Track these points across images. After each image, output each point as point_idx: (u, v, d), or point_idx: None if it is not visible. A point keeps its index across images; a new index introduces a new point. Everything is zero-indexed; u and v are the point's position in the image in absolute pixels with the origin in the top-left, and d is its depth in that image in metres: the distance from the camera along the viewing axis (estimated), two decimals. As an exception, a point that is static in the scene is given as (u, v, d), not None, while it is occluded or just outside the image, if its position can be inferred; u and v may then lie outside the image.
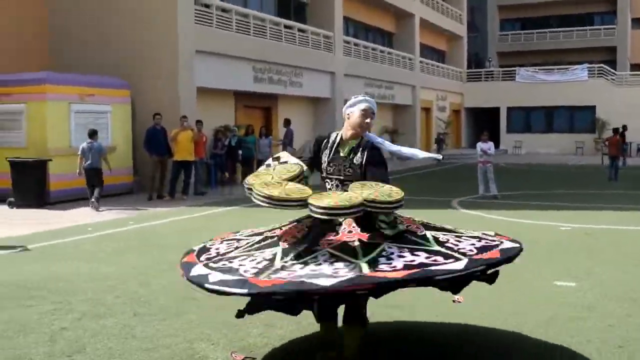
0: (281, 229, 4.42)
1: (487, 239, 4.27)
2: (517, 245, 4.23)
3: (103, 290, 6.54)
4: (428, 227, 4.35)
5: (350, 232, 4.10)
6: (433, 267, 3.71)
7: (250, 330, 5.23)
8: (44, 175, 13.81)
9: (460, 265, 3.74)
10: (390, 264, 3.75)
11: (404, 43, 32.99)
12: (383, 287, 3.81)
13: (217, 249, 4.42)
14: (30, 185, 13.48)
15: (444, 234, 4.24)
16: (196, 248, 4.53)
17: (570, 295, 6.39)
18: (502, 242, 4.22)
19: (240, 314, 4.45)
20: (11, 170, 13.55)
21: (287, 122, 19.65)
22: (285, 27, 21.96)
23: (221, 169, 18.41)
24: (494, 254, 3.99)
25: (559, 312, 5.77)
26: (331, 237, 4.08)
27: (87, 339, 5.01)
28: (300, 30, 22.90)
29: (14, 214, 12.72)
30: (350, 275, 3.62)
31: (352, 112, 4.46)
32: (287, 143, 19.07)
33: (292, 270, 3.79)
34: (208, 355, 4.67)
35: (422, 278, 3.69)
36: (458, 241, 4.13)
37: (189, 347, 4.84)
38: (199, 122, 16.19)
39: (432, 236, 4.15)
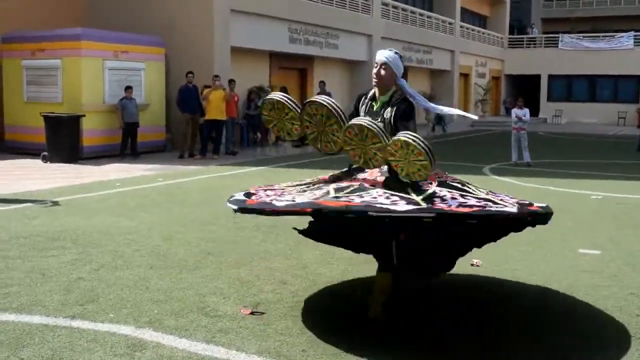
0: (326, 177, 4.65)
1: (517, 199, 4.41)
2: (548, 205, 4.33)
3: (124, 243, 6.62)
4: (466, 184, 4.52)
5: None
6: (490, 208, 3.88)
7: (264, 286, 5.24)
8: (77, 131, 13.99)
9: (513, 209, 3.94)
10: (446, 202, 3.91)
11: (444, 6, 32.37)
12: (444, 219, 3.86)
13: (264, 192, 4.54)
14: (64, 140, 13.66)
15: (484, 189, 4.48)
16: (239, 193, 4.57)
17: (594, 263, 6.27)
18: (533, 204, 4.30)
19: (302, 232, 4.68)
20: (45, 125, 13.75)
21: (322, 84, 19.52)
22: (323, -13, 21.69)
23: (253, 129, 18.45)
24: (534, 208, 4.14)
25: (581, 279, 5.67)
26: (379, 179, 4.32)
27: (101, 289, 5.08)
28: (337, -9, 22.61)
29: (47, 167, 12.94)
30: (411, 206, 3.78)
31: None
32: None
33: (351, 199, 3.96)
34: (218, 308, 4.70)
35: (483, 215, 3.85)
36: (497, 195, 4.38)
37: (200, 300, 4.87)
38: (231, 82, 16.17)
39: (475, 186, 4.41)
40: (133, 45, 15.43)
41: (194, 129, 15.38)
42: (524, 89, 38.33)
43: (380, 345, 4.11)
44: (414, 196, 3.96)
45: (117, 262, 5.89)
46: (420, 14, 29.10)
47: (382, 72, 4.53)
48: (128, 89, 14.57)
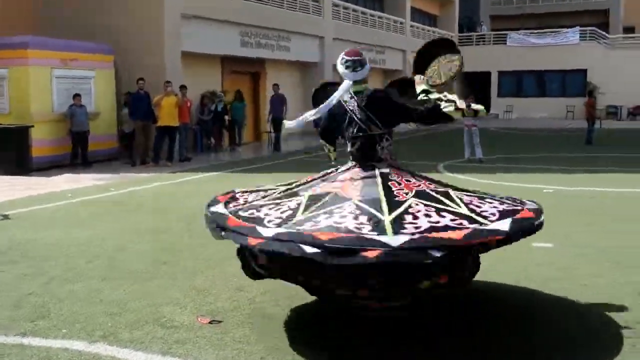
0: (307, 179, 4.61)
1: (508, 203, 4.27)
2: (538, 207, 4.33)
3: (76, 255, 6.49)
4: (448, 185, 4.46)
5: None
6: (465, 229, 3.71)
7: (220, 294, 5.19)
8: (26, 142, 13.67)
9: (503, 225, 3.80)
10: (416, 224, 3.74)
11: (394, 7, 32.59)
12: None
13: (244, 198, 4.56)
14: (12, 152, 13.34)
15: (468, 195, 4.28)
16: (220, 198, 4.61)
17: (547, 256, 6.37)
18: (524, 206, 4.24)
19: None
20: (-7, 136, 13.40)
21: (275, 87, 19.45)
22: (273, -10, 21.65)
23: (207, 135, 18.29)
24: (525, 213, 4.03)
25: (534, 273, 5.76)
26: (357, 185, 4.25)
27: (52, 304, 4.97)
28: (287, -7, 22.60)
29: (-5, 180, 12.61)
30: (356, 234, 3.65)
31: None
32: (273, 111, 18.79)
33: (317, 221, 3.84)
34: (174, 319, 4.63)
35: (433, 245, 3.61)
36: (481, 202, 4.12)
37: (155, 311, 4.80)
38: (182, 87, 16.01)
39: (457, 196, 4.17)
40: (82, 53, 15.13)
41: (146, 137, 15.18)
42: (474, 85, 38.85)
43: (348, 348, 4.10)
44: (384, 215, 3.81)
45: (69, 275, 5.76)
46: (372, 15, 29.26)
47: None
48: (76, 96, 14.32)
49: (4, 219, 8.54)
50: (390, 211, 3.86)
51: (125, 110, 15.70)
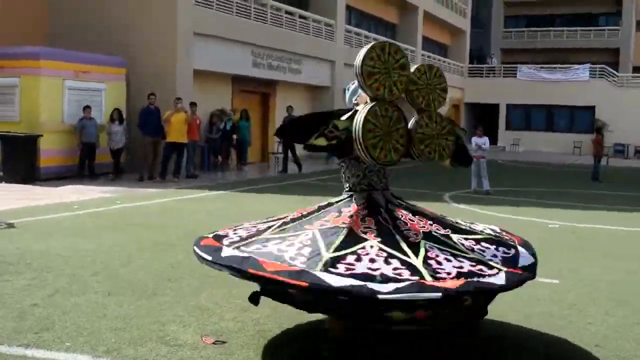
0: (297, 210, 4.52)
1: (486, 263, 4.04)
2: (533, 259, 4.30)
3: (81, 267, 6.47)
4: (428, 234, 4.21)
5: (351, 216, 4.20)
6: (482, 280, 3.70)
7: (224, 314, 5.17)
8: (34, 151, 13.72)
9: (501, 279, 3.77)
10: (444, 269, 3.74)
11: (406, 35, 32.80)
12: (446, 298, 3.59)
13: (235, 233, 4.39)
14: (20, 161, 13.39)
15: (440, 249, 4.05)
16: (209, 235, 4.47)
17: (553, 292, 6.34)
18: (499, 272, 3.98)
19: (253, 299, 4.35)
20: (1, 144, 13.45)
21: (289, 109, 19.53)
22: (287, 12, 21.79)
23: (215, 152, 18.34)
24: (488, 283, 3.83)
25: (540, 308, 5.73)
26: (330, 218, 4.21)
27: (57, 316, 4.94)
28: (301, 16, 22.75)
29: (2, 188, 12.63)
30: (414, 280, 3.60)
31: (362, 95, 4.55)
32: None
33: (264, 244, 3.90)
34: (178, 337, 4.61)
35: (478, 290, 3.69)
36: (447, 260, 3.93)
37: (159, 328, 4.77)
38: (192, 105, 16.08)
39: (424, 248, 4.01)
40: (94, 65, 15.26)
41: (155, 152, 15.23)
42: (483, 117, 38.97)
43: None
44: (412, 259, 3.80)
45: (73, 287, 5.75)
46: (383, 42, 29.39)
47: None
48: (87, 108, 14.42)
49: (8, 227, 8.54)
50: (417, 254, 3.88)
51: (113, 125, 14.92)
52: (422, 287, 3.54)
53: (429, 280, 3.61)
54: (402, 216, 4.34)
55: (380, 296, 3.45)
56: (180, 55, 16.68)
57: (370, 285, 3.52)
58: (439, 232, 4.23)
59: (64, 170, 14.34)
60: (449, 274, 3.73)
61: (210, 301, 5.49)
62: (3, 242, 7.57)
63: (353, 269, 3.66)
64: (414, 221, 4.32)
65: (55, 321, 4.82)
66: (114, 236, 8.21)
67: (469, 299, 3.82)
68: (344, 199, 4.48)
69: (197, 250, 4.16)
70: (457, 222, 4.61)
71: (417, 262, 3.82)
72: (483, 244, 4.26)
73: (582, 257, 8.13)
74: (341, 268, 3.67)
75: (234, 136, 18.52)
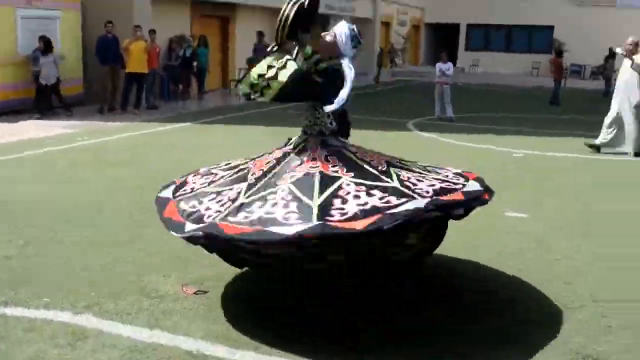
0: (254, 161, 4.43)
1: (450, 181, 4.22)
2: (480, 188, 4.23)
3: (53, 214, 6.37)
4: (392, 163, 4.32)
5: (314, 159, 4.15)
6: (386, 212, 3.68)
7: (202, 261, 5.15)
8: (-12, 85, 13.24)
9: (419, 203, 3.76)
10: (343, 209, 3.73)
11: (366, -46, 32.02)
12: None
13: (193, 183, 4.44)
14: (-26, 95, 12.93)
15: (407, 173, 4.20)
16: (177, 181, 4.58)
17: (520, 226, 6.49)
18: (466, 185, 4.20)
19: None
20: (-48, 78, 12.93)
21: (259, 35, 19.08)
22: None
23: (174, 81, 17.95)
24: (456, 196, 3.99)
25: (508, 244, 5.87)
26: (295, 168, 4.12)
27: (33, 269, 4.89)
28: None
29: (-44, 124, 12.24)
30: (299, 225, 3.63)
31: None
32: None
33: (250, 210, 3.83)
34: (159, 288, 4.62)
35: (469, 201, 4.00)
36: (419, 180, 4.10)
37: (138, 279, 4.77)
38: (152, 32, 15.60)
39: (395, 172, 4.14)
40: (47, -8, 14.61)
41: (114, 82, 14.84)
42: (443, 38, 38.75)
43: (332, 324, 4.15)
44: (312, 200, 3.80)
45: (48, 236, 5.67)
46: (343, -39, 28.71)
47: (328, 39, 4.41)
48: (43, 41, 13.64)
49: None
50: (320, 193, 3.87)
51: (42, 57, 13.51)
52: (437, 202, 3.80)
53: (315, 221, 3.64)
54: (359, 150, 4.39)
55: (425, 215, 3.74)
56: (137, -21, 16.04)
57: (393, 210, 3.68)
58: (372, 165, 4.22)
59: (18, 103, 13.86)
60: (427, 192, 3.91)
61: (187, 249, 5.45)
62: (-34, 186, 7.40)
63: (346, 213, 3.68)
64: (373, 154, 4.41)
65: (31, 275, 4.77)
66: (82, 177, 8.07)
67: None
68: (299, 145, 4.34)
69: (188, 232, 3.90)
70: (410, 166, 4.58)
71: (396, 183, 3.96)
72: (425, 179, 4.22)
73: (548, 189, 8.30)
74: (336, 215, 3.68)
75: (194, 63, 18.11)
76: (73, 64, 15.29)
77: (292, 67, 4.10)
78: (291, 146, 4.36)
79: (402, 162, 4.47)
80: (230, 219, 3.78)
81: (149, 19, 16.31)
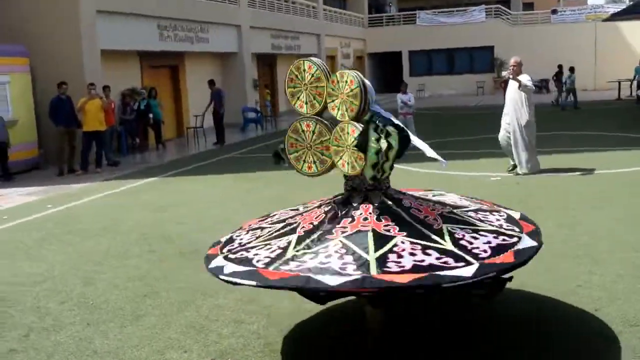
0: (302, 215, 4.40)
1: (506, 234, 4.07)
2: (535, 244, 4.05)
3: (43, 295, 5.95)
4: (446, 217, 4.19)
5: (366, 219, 4.04)
6: (441, 273, 3.54)
7: (220, 330, 4.88)
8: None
9: (469, 271, 3.57)
10: (400, 262, 3.62)
11: (304, -9, 32.31)
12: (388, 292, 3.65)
13: (240, 239, 4.41)
14: None
15: (462, 228, 4.05)
16: (223, 239, 4.54)
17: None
18: (520, 239, 4.04)
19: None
20: None
21: (211, 84, 18.94)
22: (187, -20, 20.91)
23: (131, 134, 17.58)
24: (508, 257, 3.79)
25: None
26: (346, 224, 4.03)
27: (43, 360, 4.53)
28: (201, -17, 21.90)
29: None
30: (357, 275, 3.53)
31: None
32: (217, 106, 18.53)
33: (302, 261, 3.75)
34: (184, 367, 4.31)
35: (429, 285, 3.55)
36: (474, 238, 3.95)
37: (160, 358, 4.45)
38: (106, 88, 15.25)
39: (448, 230, 3.99)
40: (-7, 57, 14.14)
41: (71, 143, 14.38)
42: (387, 66, 39.21)
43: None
44: (369, 255, 3.69)
45: (47, 322, 5.27)
46: (285, 0, 28.88)
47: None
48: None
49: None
50: (376, 249, 3.77)
51: None
52: (366, 280, 3.53)
53: (373, 272, 3.56)
54: (410, 204, 4.26)
55: (468, 280, 3.51)
56: (86, 36, 15.68)
57: (451, 272, 3.53)
58: (426, 223, 4.09)
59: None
60: (485, 251, 3.77)
61: (199, 317, 5.18)
62: (-59, 272, 6.90)
63: (404, 266, 3.58)
64: (422, 206, 4.28)
65: (40, 369, 4.41)
66: (60, 250, 7.62)
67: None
68: (349, 203, 4.26)
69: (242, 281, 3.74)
70: (464, 213, 4.45)
71: (450, 246, 3.81)
72: (480, 234, 4.08)
73: (531, 209, 8.23)
74: (393, 267, 3.57)
75: (150, 115, 17.76)
76: (27, 127, 14.81)
77: (395, 134, 4.08)
78: (341, 201, 4.31)
79: (455, 212, 4.34)
80: (281, 267, 3.73)
81: (100, 74, 15.97)
